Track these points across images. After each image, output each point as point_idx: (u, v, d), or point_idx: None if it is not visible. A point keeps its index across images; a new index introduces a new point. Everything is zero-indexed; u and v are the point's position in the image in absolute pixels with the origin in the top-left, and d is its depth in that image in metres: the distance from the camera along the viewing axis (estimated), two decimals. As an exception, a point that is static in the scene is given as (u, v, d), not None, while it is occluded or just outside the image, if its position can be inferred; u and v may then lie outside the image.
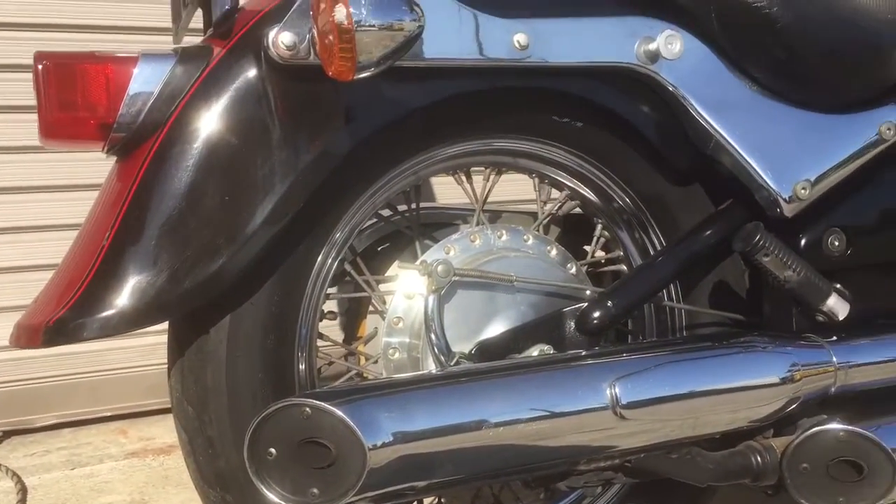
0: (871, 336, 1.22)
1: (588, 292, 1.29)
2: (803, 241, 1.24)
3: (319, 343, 1.25)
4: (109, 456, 1.98)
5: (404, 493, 0.99)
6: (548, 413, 1.01)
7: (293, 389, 1.15)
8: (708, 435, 1.14)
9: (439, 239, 1.34)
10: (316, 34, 0.98)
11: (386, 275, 1.35)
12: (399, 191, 1.26)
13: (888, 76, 1.29)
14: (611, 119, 1.27)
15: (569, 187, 1.35)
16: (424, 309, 1.18)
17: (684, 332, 1.33)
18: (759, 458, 1.18)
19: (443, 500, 1.36)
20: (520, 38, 1.13)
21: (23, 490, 1.84)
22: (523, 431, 0.99)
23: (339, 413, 0.91)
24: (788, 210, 1.23)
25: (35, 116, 1.05)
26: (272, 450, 0.93)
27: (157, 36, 2.15)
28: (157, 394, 2.23)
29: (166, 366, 1.17)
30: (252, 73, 1.05)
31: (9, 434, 2.18)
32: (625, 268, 1.39)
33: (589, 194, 1.35)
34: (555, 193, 1.42)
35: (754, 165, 1.23)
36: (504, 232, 1.30)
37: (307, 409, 0.92)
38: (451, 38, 1.10)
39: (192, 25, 1.21)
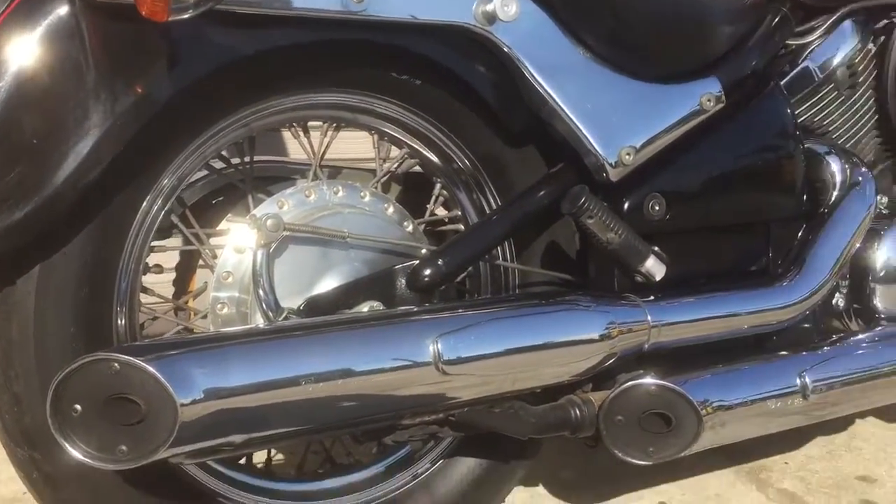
0: (685, 296, 1.29)
1: (423, 251, 1.30)
2: (626, 205, 1.29)
3: (144, 298, 1.22)
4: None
5: (221, 449, 0.98)
6: (369, 368, 1.02)
7: (111, 345, 1.10)
8: (529, 389, 1.18)
9: (274, 193, 1.31)
10: (128, -30, 0.93)
11: (217, 228, 1.31)
12: (231, 142, 1.22)
13: (711, 49, 1.36)
14: (450, 78, 1.28)
15: (408, 145, 1.35)
16: (252, 263, 1.15)
17: (516, 291, 1.36)
18: (577, 412, 1.23)
19: (274, 453, 1.36)
20: (350, -12, 1.11)
21: None
22: (343, 386, 0.99)
23: (149, 368, 0.89)
24: (614, 174, 1.27)
25: None
26: (77, 406, 0.89)
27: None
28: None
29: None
30: (64, 7, 0.99)
31: None
32: (463, 227, 1.41)
33: (428, 153, 1.36)
34: (395, 151, 1.42)
35: (583, 130, 1.26)
36: (340, 188, 1.29)
37: (115, 364, 0.89)
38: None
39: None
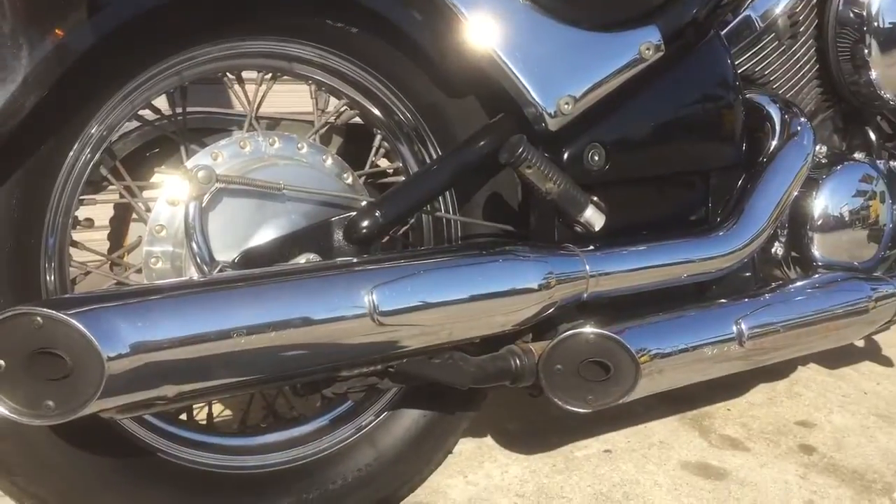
0: (623, 246, 1.29)
1: (363, 203, 1.29)
2: (566, 155, 1.29)
3: (75, 253, 1.19)
4: None
5: (153, 403, 0.97)
6: (303, 319, 1.01)
7: (38, 296, 1.08)
8: (467, 340, 1.18)
9: (210, 143, 1.28)
10: None
11: (150, 181, 1.29)
12: (161, 91, 1.19)
13: None
14: (388, 28, 1.25)
15: (347, 96, 1.33)
16: (185, 216, 1.13)
17: (459, 240, 1.36)
18: (517, 361, 1.23)
19: (219, 409, 1.35)
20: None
21: None
22: (276, 338, 0.98)
23: (74, 322, 0.87)
24: (552, 124, 1.27)
25: None
26: (1, 362, 0.87)
27: None
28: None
29: None
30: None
31: None
32: (403, 178, 1.39)
33: (367, 104, 1.34)
34: (334, 103, 1.39)
35: (522, 79, 1.25)
36: (277, 139, 1.27)
37: (38, 318, 0.87)
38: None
39: None
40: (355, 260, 1.11)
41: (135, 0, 1.03)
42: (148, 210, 1.21)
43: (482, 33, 1.24)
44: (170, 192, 1.19)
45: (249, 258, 1.15)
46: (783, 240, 1.62)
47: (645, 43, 1.33)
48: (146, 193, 1.26)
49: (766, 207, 1.44)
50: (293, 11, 1.20)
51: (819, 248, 1.60)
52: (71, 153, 1.09)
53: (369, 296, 1.04)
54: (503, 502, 1.50)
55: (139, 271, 1.21)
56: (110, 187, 1.24)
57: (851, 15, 1.65)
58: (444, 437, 1.42)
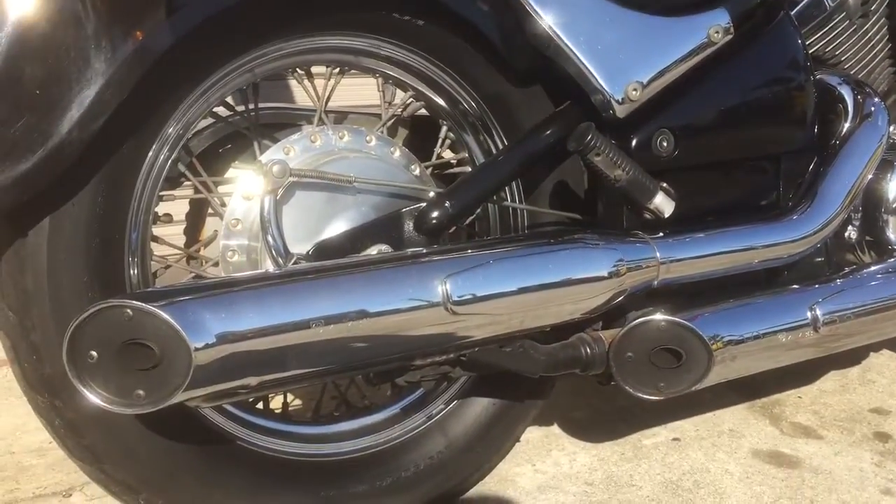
0: (693, 232, 1.28)
1: (431, 193, 1.30)
2: (634, 142, 1.28)
3: (156, 247, 1.23)
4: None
5: (236, 392, 1.00)
6: (378, 310, 1.02)
7: (123, 290, 1.12)
8: (538, 328, 1.18)
9: (280, 140, 1.31)
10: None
11: (225, 176, 1.32)
12: (235, 88, 1.22)
13: None
14: (453, 19, 1.26)
15: (413, 88, 1.34)
16: (260, 210, 1.16)
17: (526, 229, 1.36)
18: (588, 349, 1.24)
19: (291, 398, 1.38)
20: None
21: None
22: (353, 328, 1.00)
23: (162, 314, 0.90)
24: (620, 111, 1.26)
25: None
26: (93, 353, 0.91)
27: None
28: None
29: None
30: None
31: None
32: (470, 169, 1.40)
33: (433, 95, 1.35)
34: (400, 95, 1.41)
35: (589, 67, 1.25)
36: (346, 133, 1.29)
37: (128, 310, 0.90)
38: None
39: None
40: (427, 250, 1.12)
41: (210, 0, 1.05)
42: (223, 205, 1.24)
43: (547, 20, 1.23)
44: (244, 187, 1.21)
45: (323, 250, 1.17)
46: (857, 223, 1.58)
47: (714, 26, 1.31)
48: (221, 189, 1.29)
49: (839, 191, 1.41)
50: (361, 7, 1.21)
51: (895, 231, 1.56)
52: (150, 153, 1.12)
53: (442, 286, 1.05)
54: (572, 490, 1.50)
55: (216, 265, 1.24)
56: (186, 183, 1.27)
57: (925, -9, 1.61)
58: (513, 424, 1.43)
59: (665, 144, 1.29)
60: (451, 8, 1.25)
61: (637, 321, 1.21)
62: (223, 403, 1.16)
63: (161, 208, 1.24)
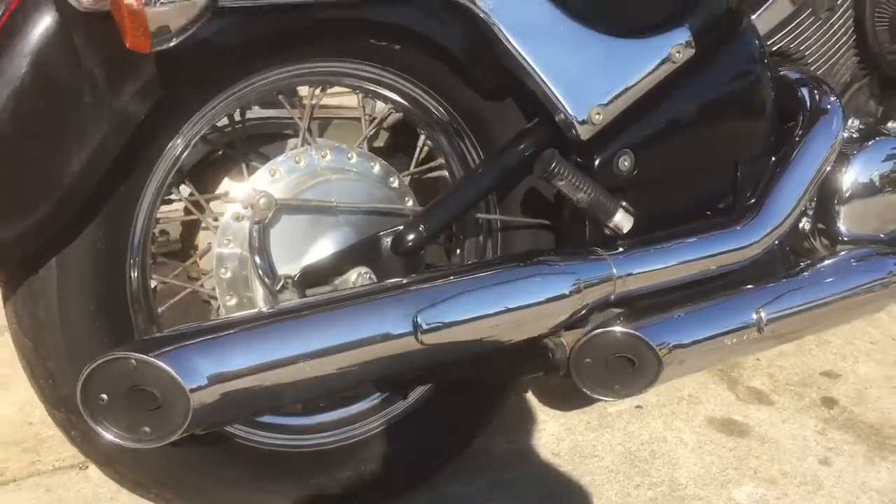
0: (648, 246, 1.39)
1: (409, 203, 1.40)
2: (596, 162, 1.36)
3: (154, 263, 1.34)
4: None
5: (234, 420, 1.13)
6: (357, 342, 1.14)
7: (128, 313, 1.24)
8: (502, 346, 1.30)
9: (267, 153, 1.40)
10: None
11: (216, 192, 1.41)
12: (225, 114, 1.30)
13: None
14: (427, 42, 1.32)
15: (392, 101, 1.42)
16: (249, 238, 1.26)
17: (499, 237, 1.47)
18: (551, 355, 1.36)
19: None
20: (333, -23, 1.15)
21: None
22: (335, 361, 1.12)
23: (161, 364, 1.01)
24: (584, 132, 1.34)
25: None
26: (104, 395, 1.03)
27: None
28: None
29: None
30: (53, 18, 1.04)
31: None
32: (447, 172, 1.50)
33: (411, 108, 1.43)
34: (380, 105, 1.48)
35: (554, 91, 1.32)
36: (328, 152, 1.37)
37: (132, 360, 1.02)
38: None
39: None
40: (397, 282, 1.22)
41: (204, 48, 1.11)
42: (216, 219, 1.33)
43: (517, 46, 1.29)
44: (233, 209, 1.31)
45: (308, 275, 1.28)
46: (811, 213, 1.68)
47: (676, 46, 1.38)
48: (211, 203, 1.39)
49: (790, 195, 1.51)
50: (343, 36, 1.27)
51: (846, 222, 1.66)
52: (145, 186, 1.21)
53: (413, 318, 1.16)
54: (538, 462, 1.66)
55: (207, 276, 1.35)
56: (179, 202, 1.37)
57: (891, -16, 1.65)
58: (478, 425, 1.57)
59: (626, 164, 1.38)
60: (423, 33, 1.31)
61: (594, 332, 1.33)
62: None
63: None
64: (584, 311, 1.33)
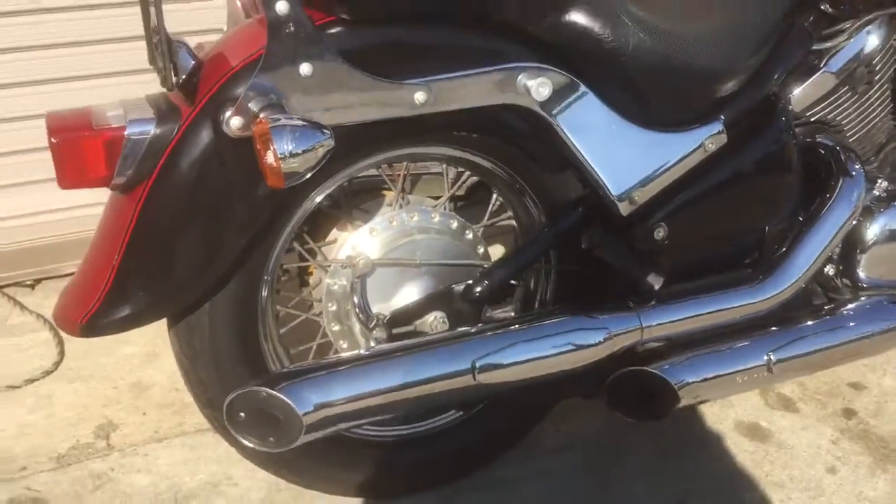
0: (673, 300, 1.68)
1: (481, 250, 1.74)
2: (634, 234, 1.65)
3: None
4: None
5: (334, 433, 1.52)
6: (427, 380, 1.51)
7: (258, 341, 1.63)
8: (545, 379, 1.64)
9: (368, 208, 1.76)
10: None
11: (327, 240, 1.78)
12: (335, 186, 1.66)
13: (709, 96, 1.63)
14: (502, 133, 1.62)
15: (471, 169, 1.74)
16: (350, 291, 1.63)
17: (551, 282, 1.80)
18: (588, 384, 1.69)
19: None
20: (419, 96, 1.46)
21: (60, 342, 2.36)
22: (411, 392, 1.50)
23: (282, 396, 1.41)
24: (624, 209, 1.62)
25: None
26: (242, 414, 1.43)
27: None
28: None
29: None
30: (211, 140, 1.40)
31: (39, 280, 2.65)
32: (514, 223, 1.82)
33: (486, 175, 1.74)
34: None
35: (601, 176, 1.60)
36: (416, 213, 1.72)
37: (263, 392, 1.41)
38: (364, 105, 1.43)
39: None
40: (461, 332, 1.59)
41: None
42: (328, 265, 1.71)
43: (572, 140, 1.57)
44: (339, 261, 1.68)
45: (395, 316, 1.64)
46: (835, 258, 1.91)
47: (709, 137, 1.64)
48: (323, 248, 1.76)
49: (808, 256, 1.75)
50: (429, 130, 1.58)
51: (865, 270, 1.89)
52: (273, 251, 1.59)
53: (473, 363, 1.52)
54: (581, 452, 2.00)
55: (317, 304, 1.74)
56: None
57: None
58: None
59: (661, 234, 1.66)
60: (499, 130, 1.60)
61: (622, 371, 1.65)
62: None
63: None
64: (615, 355, 1.65)
